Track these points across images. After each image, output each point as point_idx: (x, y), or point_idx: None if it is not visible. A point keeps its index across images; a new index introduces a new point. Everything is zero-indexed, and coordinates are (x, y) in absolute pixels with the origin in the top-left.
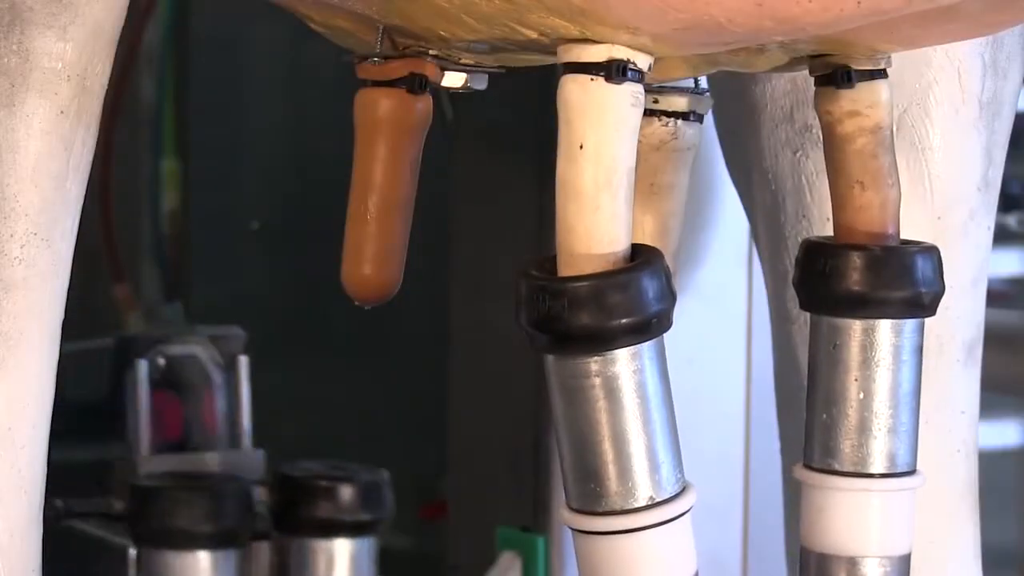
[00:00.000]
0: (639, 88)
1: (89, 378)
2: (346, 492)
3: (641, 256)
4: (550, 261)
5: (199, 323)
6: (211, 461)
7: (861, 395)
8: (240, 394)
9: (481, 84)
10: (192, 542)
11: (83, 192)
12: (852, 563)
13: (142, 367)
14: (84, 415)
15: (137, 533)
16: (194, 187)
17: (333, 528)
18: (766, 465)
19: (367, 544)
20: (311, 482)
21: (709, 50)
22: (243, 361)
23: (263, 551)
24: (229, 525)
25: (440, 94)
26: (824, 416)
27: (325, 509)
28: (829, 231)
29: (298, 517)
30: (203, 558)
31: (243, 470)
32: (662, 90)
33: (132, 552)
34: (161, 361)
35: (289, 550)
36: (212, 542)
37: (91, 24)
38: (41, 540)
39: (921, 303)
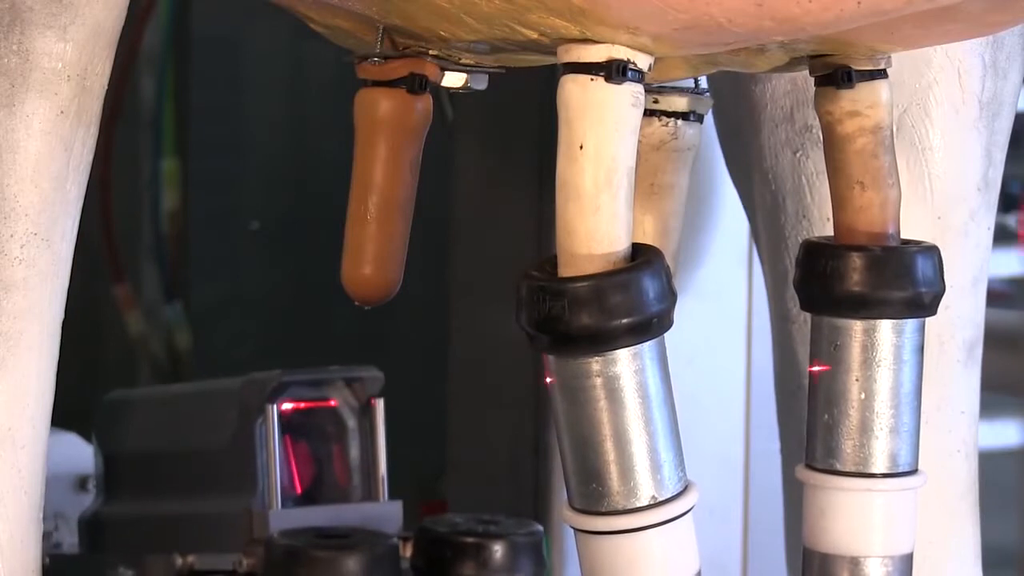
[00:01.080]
0: (639, 88)
1: (211, 424)
2: (497, 550)
3: (641, 256)
4: (551, 262)
5: (200, 325)
6: (347, 514)
7: (862, 395)
8: (376, 441)
9: (481, 84)
10: None
11: (83, 192)
12: (855, 563)
13: (272, 413)
14: (205, 464)
15: None
16: (194, 187)
17: None
18: (766, 465)
19: None
20: (458, 539)
21: (709, 50)
22: (379, 405)
23: None
24: None
25: (440, 94)
26: (825, 416)
27: (473, 569)
28: (829, 231)
29: None
30: None
31: (380, 523)
32: (662, 90)
33: None
34: (289, 406)
35: None
36: None
37: (91, 24)
38: (41, 541)
39: (922, 303)
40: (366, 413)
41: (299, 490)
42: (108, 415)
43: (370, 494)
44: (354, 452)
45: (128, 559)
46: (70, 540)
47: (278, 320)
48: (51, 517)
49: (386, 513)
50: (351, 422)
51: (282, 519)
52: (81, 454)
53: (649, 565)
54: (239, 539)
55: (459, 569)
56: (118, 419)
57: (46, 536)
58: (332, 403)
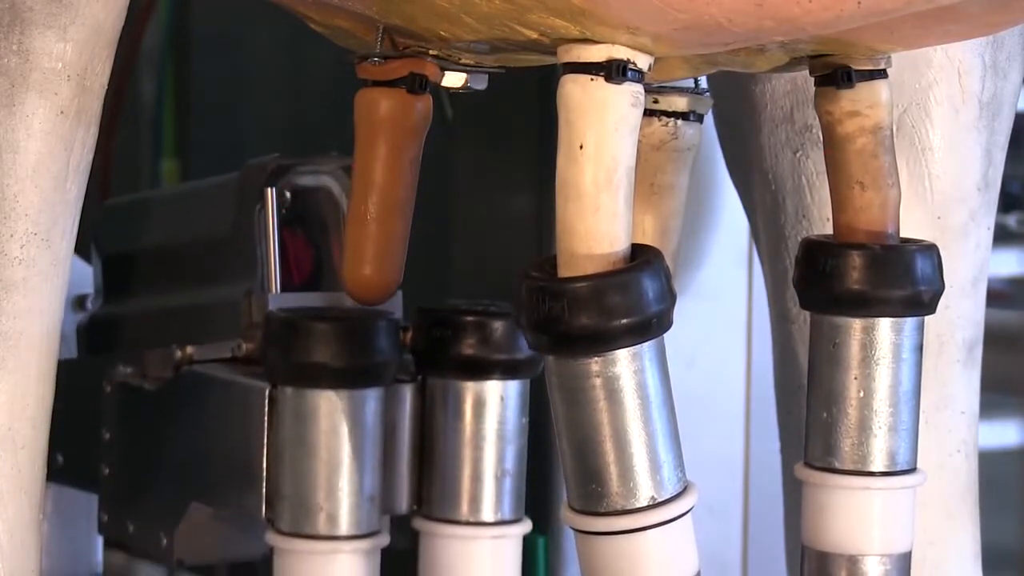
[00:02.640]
0: (639, 88)
1: (210, 214)
2: (498, 329)
3: (641, 256)
4: (550, 262)
5: None
6: (346, 300)
7: (861, 394)
8: None
9: (481, 84)
10: (335, 379)
11: (83, 192)
12: (853, 561)
13: (271, 196)
14: (204, 254)
15: (273, 371)
16: None
17: (482, 368)
18: (766, 465)
19: (520, 387)
20: (458, 319)
21: (709, 50)
22: None
23: (405, 393)
24: (376, 361)
25: (440, 94)
26: (824, 415)
27: (474, 347)
28: (829, 231)
29: (444, 356)
30: (345, 397)
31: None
32: (662, 90)
33: (266, 392)
34: (288, 195)
35: (434, 392)
36: (357, 379)
37: (91, 24)
38: (40, 540)
39: (921, 301)
40: None
41: (298, 278)
42: (108, 220)
43: None
44: None
45: (127, 357)
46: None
47: None
48: None
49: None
50: None
51: (281, 303)
52: (80, 274)
53: (649, 565)
54: (239, 326)
55: (459, 348)
56: (118, 222)
57: None
58: (331, 190)
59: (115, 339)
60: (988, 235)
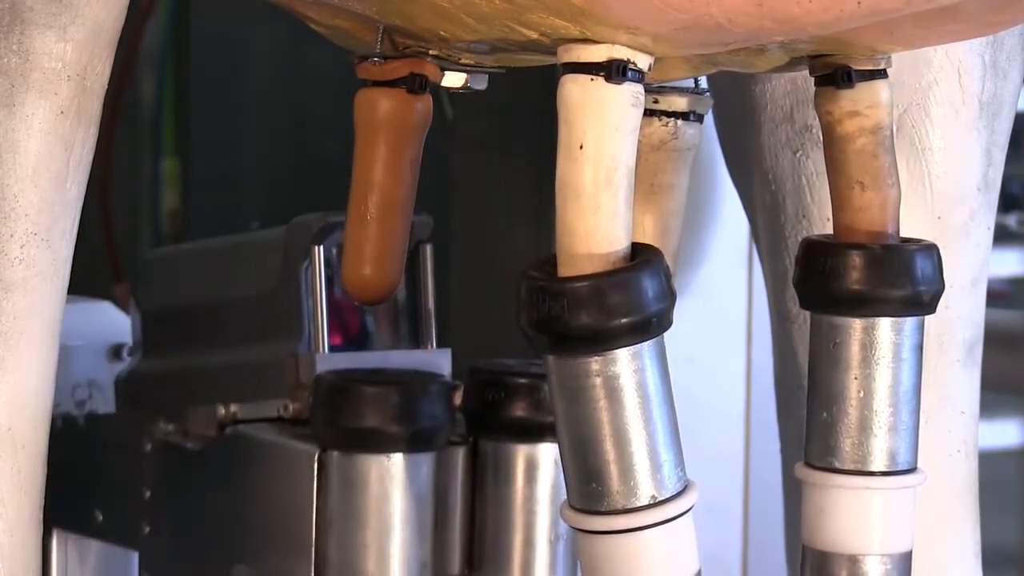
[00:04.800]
0: (639, 88)
1: (254, 272)
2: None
3: (641, 255)
4: (550, 261)
5: None
6: (395, 359)
7: (861, 393)
8: (425, 286)
9: (481, 84)
10: (387, 444)
11: (83, 192)
12: (853, 561)
13: (318, 253)
14: (249, 312)
15: (322, 435)
16: (194, 187)
17: (535, 431)
18: (766, 465)
19: None
20: (510, 380)
21: (709, 50)
22: (428, 250)
23: (457, 456)
24: (428, 425)
25: (440, 94)
26: (824, 415)
27: (526, 410)
28: (829, 231)
29: (496, 419)
30: (397, 462)
31: (429, 370)
32: (662, 90)
33: (315, 456)
34: (335, 251)
35: (486, 455)
36: (408, 444)
37: (91, 24)
38: (41, 540)
39: (921, 301)
40: (414, 258)
41: (346, 337)
42: (148, 272)
43: (418, 341)
44: (401, 298)
45: (168, 414)
46: (104, 409)
47: None
48: (85, 385)
49: (435, 360)
50: None
51: (329, 363)
52: (116, 323)
53: (649, 565)
54: (284, 386)
55: (511, 410)
56: (158, 275)
57: (80, 404)
58: None
59: (155, 394)
60: (988, 235)
